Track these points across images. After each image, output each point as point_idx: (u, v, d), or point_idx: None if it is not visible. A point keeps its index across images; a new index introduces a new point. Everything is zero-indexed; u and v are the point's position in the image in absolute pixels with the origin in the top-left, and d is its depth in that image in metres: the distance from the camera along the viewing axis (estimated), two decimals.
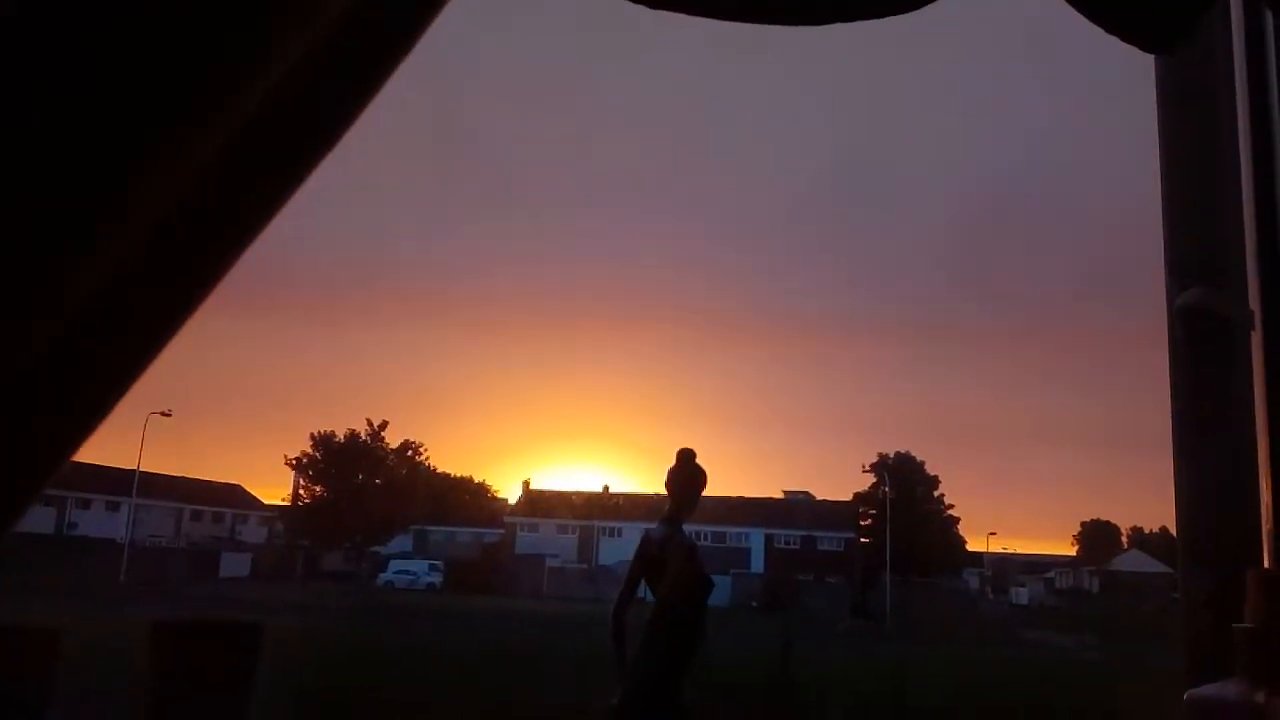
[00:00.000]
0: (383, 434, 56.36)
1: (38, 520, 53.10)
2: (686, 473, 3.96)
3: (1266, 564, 1.16)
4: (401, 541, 60.28)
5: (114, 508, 55.50)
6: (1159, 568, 70.26)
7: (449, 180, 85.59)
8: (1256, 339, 1.30)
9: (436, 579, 52.51)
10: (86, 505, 57.48)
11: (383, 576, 52.15)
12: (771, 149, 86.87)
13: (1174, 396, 1.62)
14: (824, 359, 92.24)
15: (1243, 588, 1.01)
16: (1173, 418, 1.60)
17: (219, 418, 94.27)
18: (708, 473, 4.01)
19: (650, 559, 3.82)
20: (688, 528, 3.99)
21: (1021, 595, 70.72)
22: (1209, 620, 1.41)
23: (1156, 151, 1.92)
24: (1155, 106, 1.79)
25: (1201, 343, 1.83)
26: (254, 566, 54.14)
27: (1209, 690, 0.96)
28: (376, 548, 56.28)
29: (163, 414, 47.76)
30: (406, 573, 52.87)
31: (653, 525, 3.99)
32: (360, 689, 12.97)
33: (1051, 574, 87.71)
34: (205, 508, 67.23)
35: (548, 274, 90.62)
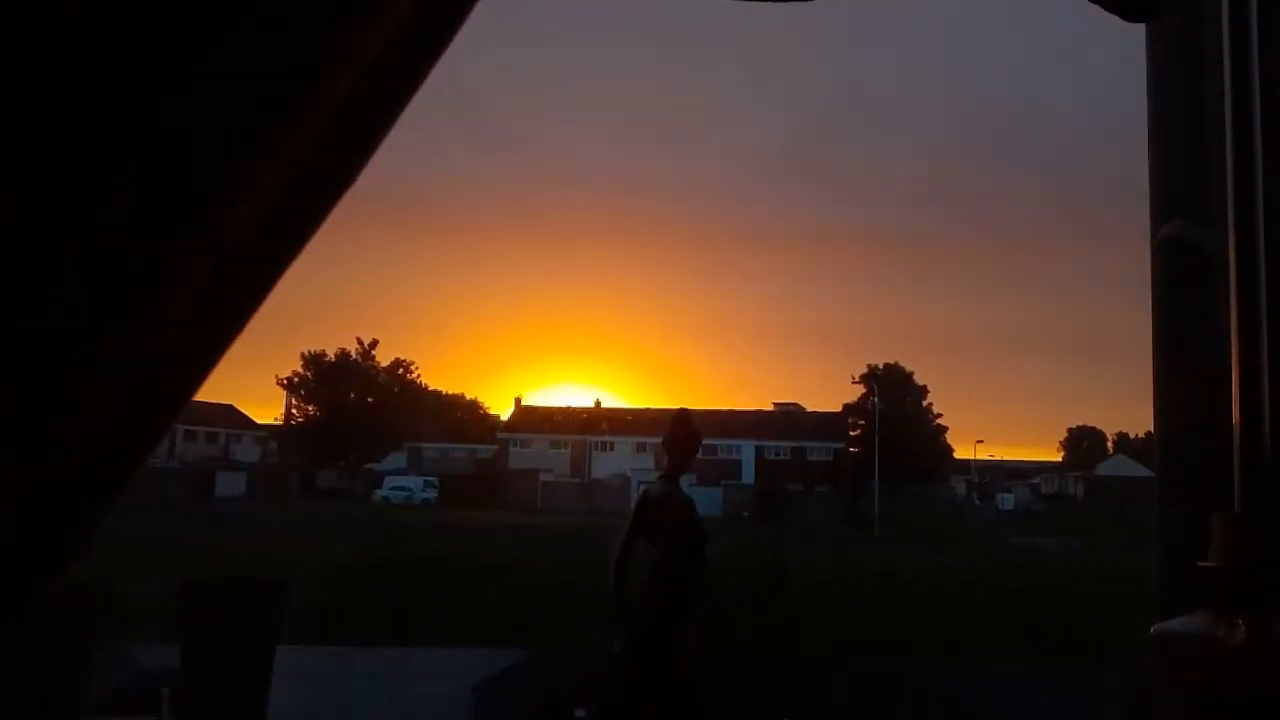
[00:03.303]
0: (373, 352, 56.52)
1: None
2: (682, 434, 4.11)
3: (1236, 504, 1.21)
4: (395, 459, 60.81)
5: None
6: (1143, 472, 71.43)
7: (433, 97, 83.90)
8: (1231, 277, 1.34)
9: (431, 494, 53.12)
10: None
11: (378, 493, 52.72)
12: (758, 75, 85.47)
13: (1155, 329, 1.65)
14: (813, 273, 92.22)
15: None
16: (1153, 349, 1.63)
17: None
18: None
19: (649, 514, 3.97)
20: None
21: (1007, 501, 71.98)
22: (1184, 551, 1.47)
23: (1145, 78, 1.92)
24: (1144, 50, 1.79)
25: (1184, 276, 1.86)
26: (249, 485, 54.63)
27: (1175, 624, 1.01)
28: (371, 465, 56.79)
29: None
30: (402, 489, 53.44)
31: (651, 482, 4.15)
32: (370, 599, 13.26)
33: (1037, 480, 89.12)
34: (198, 427, 67.48)
35: (535, 191, 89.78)
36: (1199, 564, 0.98)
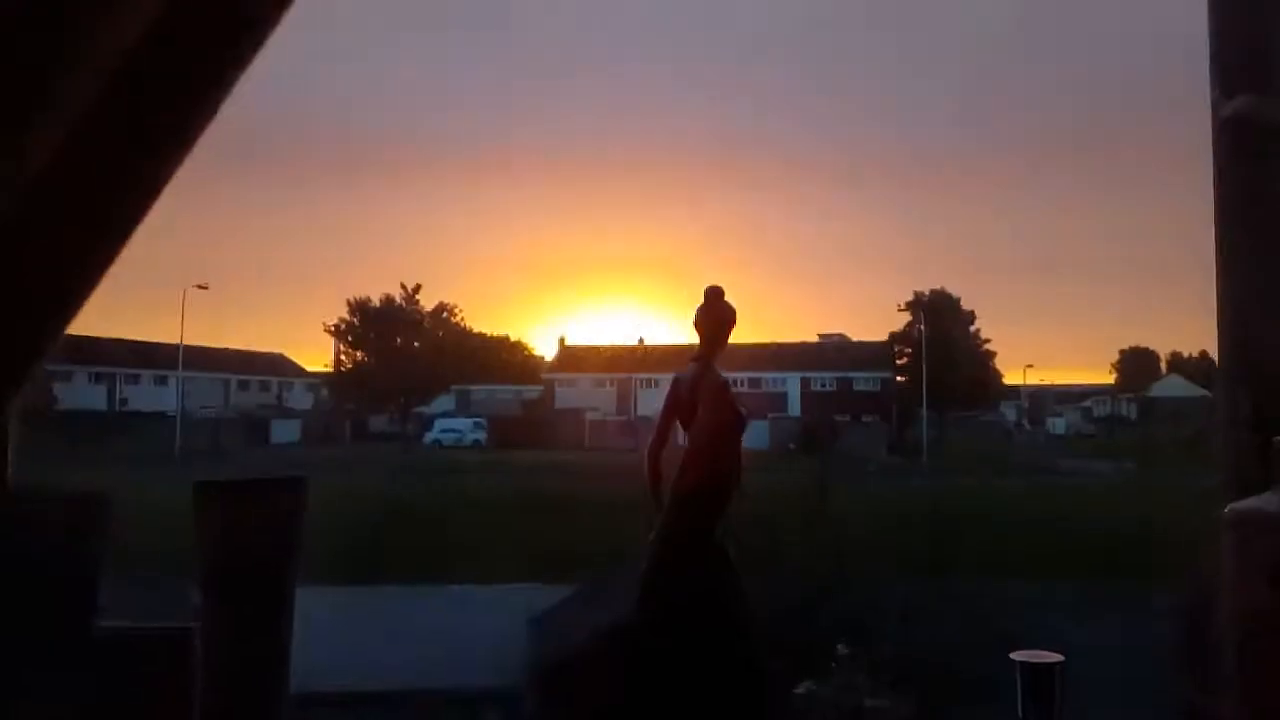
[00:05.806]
0: (417, 297, 56.84)
1: (90, 397, 54.61)
2: (715, 311, 3.84)
3: None
4: (444, 402, 61.49)
5: (162, 381, 56.81)
6: (1198, 392, 70.19)
7: (472, 37, 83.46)
8: None
9: (481, 435, 53.72)
10: (136, 380, 58.89)
11: (429, 436, 53.42)
12: None
13: (1218, 210, 1.56)
14: (856, 198, 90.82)
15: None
16: (1216, 231, 1.54)
17: (255, 289, 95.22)
18: (740, 317, 3.92)
19: (681, 401, 3.76)
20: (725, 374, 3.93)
21: (1058, 425, 71.14)
22: (1246, 437, 1.39)
23: None
24: None
25: (1249, 153, 1.75)
26: (304, 432, 55.58)
27: (1249, 503, 0.95)
28: (420, 408, 57.50)
29: (199, 287, 48.28)
30: (452, 431, 54.09)
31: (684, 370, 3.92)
32: (429, 538, 13.49)
33: (1089, 403, 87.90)
34: (251, 377, 68.67)
35: (572, 127, 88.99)
36: (1274, 439, 0.94)
